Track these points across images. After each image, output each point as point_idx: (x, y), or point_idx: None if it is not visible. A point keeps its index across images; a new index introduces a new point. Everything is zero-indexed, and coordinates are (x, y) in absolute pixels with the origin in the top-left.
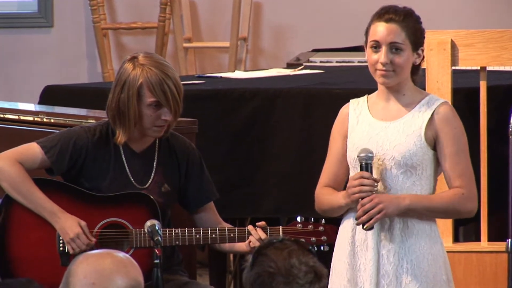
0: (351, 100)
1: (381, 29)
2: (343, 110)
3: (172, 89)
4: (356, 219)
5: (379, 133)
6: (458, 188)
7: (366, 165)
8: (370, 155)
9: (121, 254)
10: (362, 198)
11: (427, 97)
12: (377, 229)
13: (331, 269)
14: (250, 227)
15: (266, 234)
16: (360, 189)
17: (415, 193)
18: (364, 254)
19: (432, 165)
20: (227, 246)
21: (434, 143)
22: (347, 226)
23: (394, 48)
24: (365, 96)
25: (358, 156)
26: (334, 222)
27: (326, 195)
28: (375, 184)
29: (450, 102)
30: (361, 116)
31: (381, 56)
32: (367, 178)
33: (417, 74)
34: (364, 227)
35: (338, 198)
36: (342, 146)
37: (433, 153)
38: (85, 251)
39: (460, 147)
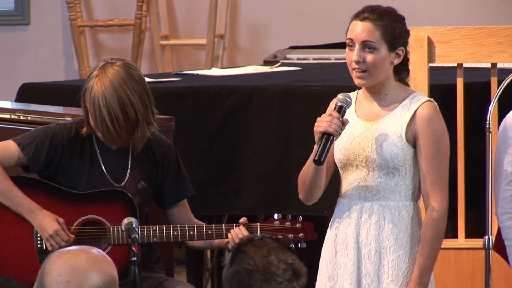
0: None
1: (355, 28)
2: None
3: (102, 113)
4: None
5: (361, 133)
6: (430, 210)
7: (339, 108)
8: (349, 100)
9: (94, 250)
10: (327, 135)
11: (411, 95)
12: (358, 228)
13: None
14: (239, 227)
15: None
16: (328, 124)
17: (398, 193)
18: (343, 253)
19: (415, 163)
20: (201, 242)
21: (414, 142)
22: (333, 224)
23: (366, 47)
24: (356, 91)
25: (337, 98)
26: (312, 220)
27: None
28: (342, 128)
29: None
30: (347, 114)
31: (353, 54)
32: (336, 118)
33: (403, 73)
34: None
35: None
36: None
37: (414, 151)
38: (64, 247)
39: (438, 149)
